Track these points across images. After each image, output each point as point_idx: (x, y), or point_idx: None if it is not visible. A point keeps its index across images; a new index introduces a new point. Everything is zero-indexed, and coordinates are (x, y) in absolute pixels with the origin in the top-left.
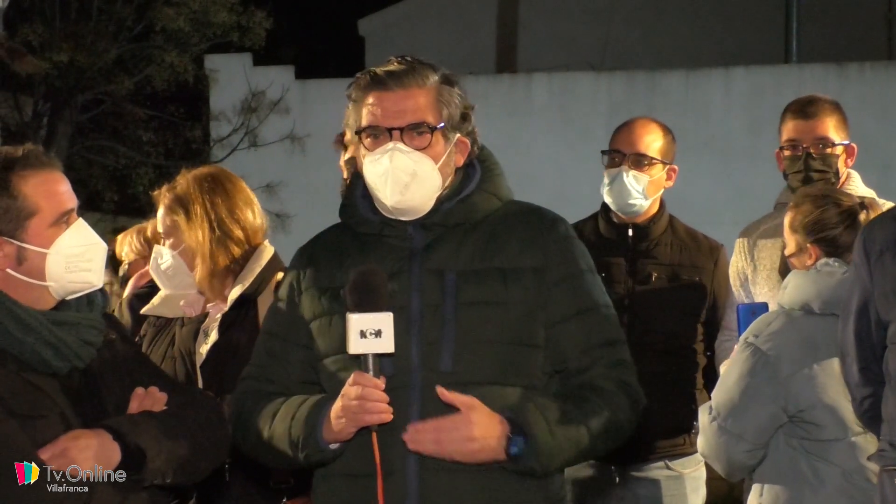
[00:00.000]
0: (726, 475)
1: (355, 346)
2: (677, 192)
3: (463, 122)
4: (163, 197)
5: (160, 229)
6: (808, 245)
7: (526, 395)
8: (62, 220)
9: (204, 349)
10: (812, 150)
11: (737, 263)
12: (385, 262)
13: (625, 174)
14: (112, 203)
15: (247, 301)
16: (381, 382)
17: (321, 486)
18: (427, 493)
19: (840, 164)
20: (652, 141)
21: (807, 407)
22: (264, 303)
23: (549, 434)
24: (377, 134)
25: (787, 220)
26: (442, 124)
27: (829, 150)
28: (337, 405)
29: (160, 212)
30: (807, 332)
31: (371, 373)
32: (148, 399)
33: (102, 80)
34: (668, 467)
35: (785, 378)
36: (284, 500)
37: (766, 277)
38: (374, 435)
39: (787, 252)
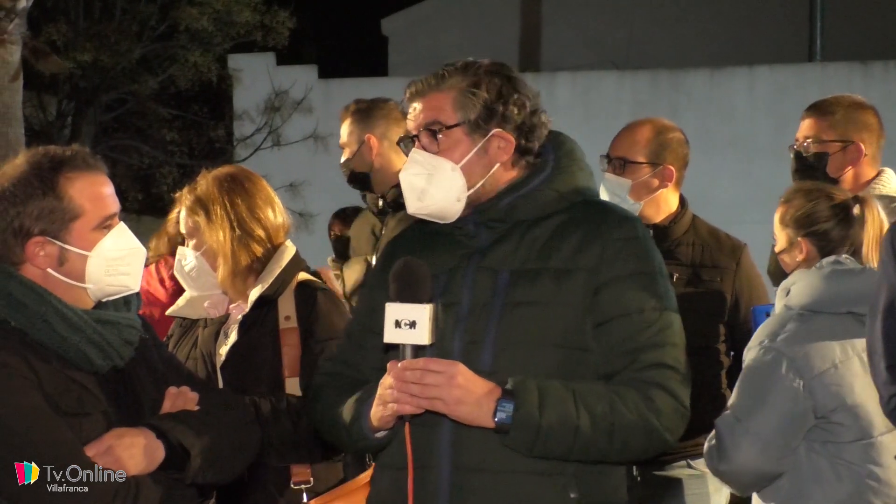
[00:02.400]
0: (741, 488)
1: (390, 335)
2: (701, 191)
3: (492, 118)
4: (184, 198)
5: (183, 230)
6: (799, 239)
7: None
8: (105, 224)
9: (223, 350)
10: (800, 148)
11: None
12: (449, 258)
13: (604, 179)
14: (136, 202)
15: (267, 301)
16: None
17: (375, 475)
18: (459, 491)
19: (838, 164)
20: (634, 143)
21: (835, 408)
22: (285, 303)
23: (538, 409)
24: (410, 143)
25: (777, 215)
26: (458, 122)
27: (817, 149)
28: (377, 393)
29: (182, 213)
30: (823, 332)
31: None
32: (180, 398)
33: (126, 79)
34: (690, 466)
35: (811, 380)
36: (305, 500)
37: None
38: (407, 426)
39: (777, 248)
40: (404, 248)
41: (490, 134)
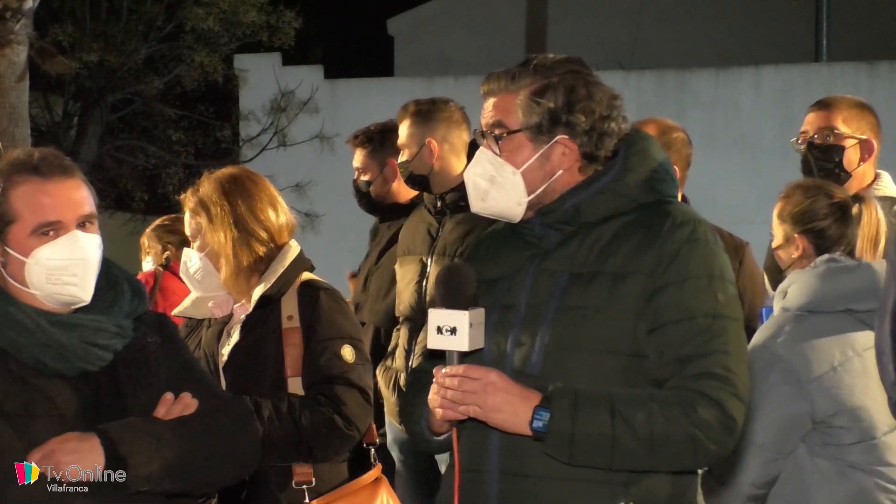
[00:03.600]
0: (744, 497)
1: (432, 341)
2: (707, 191)
3: (556, 125)
4: (187, 200)
5: (187, 232)
6: (796, 236)
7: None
8: (44, 231)
9: (225, 350)
10: (816, 139)
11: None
12: (517, 259)
13: None
14: (142, 203)
15: (269, 301)
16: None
17: (444, 476)
18: (507, 496)
19: (851, 158)
20: None
21: (835, 412)
22: (287, 302)
23: (571, 419)
24: (482, 139)
25: (775, 210)
26: (520, 128)
27: (833, 141)
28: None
29: (186, 215)
30: (820, 332)
31: None
32: (177, 405)
33: (132, 79)
34: None
35: (808, 383)
36: (307, 500)
37: None
38: (455, 430)
39: (773, 244)
40: (484, 249)
41: (553, 141)
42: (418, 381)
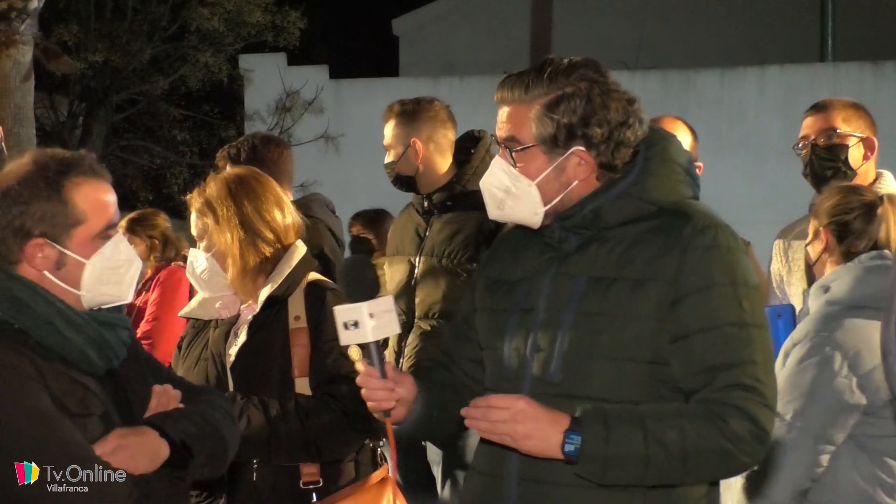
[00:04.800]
0: (796, 490)
1: (342, 338)
2: (711, 192)
3: (571, 139)
4: (193, 200)
5: (193, 233)
6: (821, 229)
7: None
8: (106, 234)
9: (233, 351)
10: (819, 141)
11: (774, 265)
12: (535, 262)
13: None
14: (147, 203)
15: (276, 301)
16: (376, 373)
17: (467, 477)
18: (526, 502)
19: (855, 156)
20: None
21: (883, 404)
22: (294, 303)
23: (604, 441)
24: (498, 146)
25: (814, 208)
26: (534, 143)
27: (836, 140)
28: None
29: (192, 216)
30: (870, 326)
31: (375, 364)
32: (165, 396)
33: (137, 79)
34: None
35: (863, 376)
36: (314, 500)
37: (800, 279)
38: (388, 422)
39: (806, 242)
40: (506, 248)
41: (569, 153)
42: (426, 371)
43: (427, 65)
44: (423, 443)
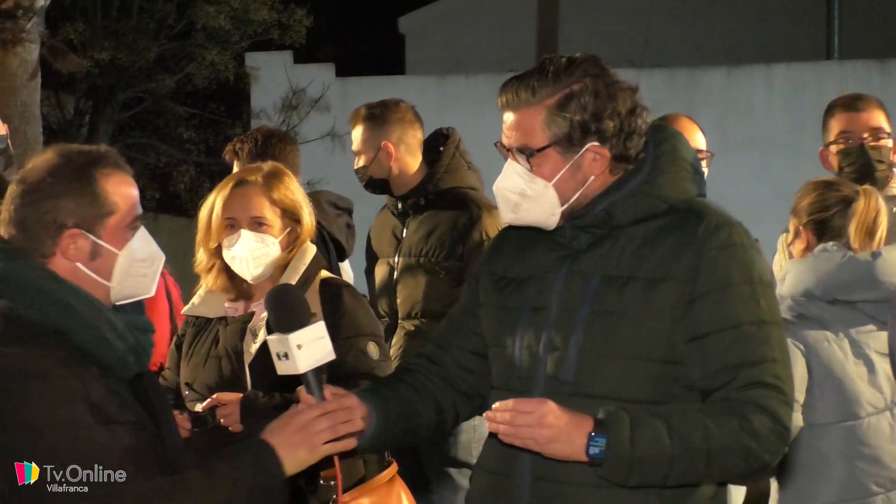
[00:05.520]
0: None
1: (277, 367)
2: (718, 190)
3: (586, 135)
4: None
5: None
6: (801, 228)
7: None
8: (134, 225)
9: (253, 348)
10: (868, 140)
11: (779, 261)
12: (545, 260)
13: None
14: (153, 201)
15: None
16: (313, 401)
17: (473, 475)
18: (539, 501)
19: (890, 155)
20: None
21: (810, 387)
22: (310, 300)
23: (630, 442)
24: (505, 150)
25: (792, 206)
26: (548, 144)
27: (882, 142)
28: None
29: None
30: (813, 315)
31: (314, 392)
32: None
33: (143, 78)
34: None
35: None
36: (335, 496)
37: None
38: (336, 459)
39: (787, 240)
40: (509, 245)
41: (584, 149)
42: (414, 366)
43: (433, 63)
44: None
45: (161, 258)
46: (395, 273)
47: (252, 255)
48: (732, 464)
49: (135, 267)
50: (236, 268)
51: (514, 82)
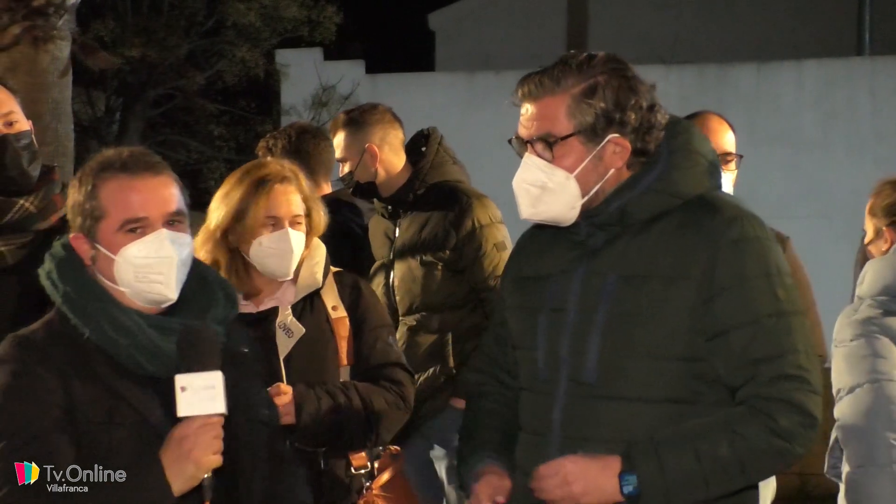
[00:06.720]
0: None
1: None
2: (749, 186)
3: (609, 125)
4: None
5: (296, 211)
6: (884, 229)
7: (659, 422)
8: (130, 228)
9: (289, 343)
10: None
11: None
12: (562, 259)
13: None
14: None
15: (312, 293)
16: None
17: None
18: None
19: None
20: None
21: None
22: (328, 294)
23: (661, 473)
24: (521, 146)
25: (868, 207)
26: (572, 132)
27: None
28: None
29: (295, 196)
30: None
31: None
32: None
33: (174, 75)
34: None
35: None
36: (367, 484)
37: None
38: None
39: (865, 241)
40: (535, 242)
41: (606, 140)
42: (486, 385)
43: (463, 59)
44: (428, 440)
45: (173, 262)
46: (392, 272)
47: (298, 252)
48: (768, 465)
49: (141, 272)
50: (271, 264)
51: (535, 75)
